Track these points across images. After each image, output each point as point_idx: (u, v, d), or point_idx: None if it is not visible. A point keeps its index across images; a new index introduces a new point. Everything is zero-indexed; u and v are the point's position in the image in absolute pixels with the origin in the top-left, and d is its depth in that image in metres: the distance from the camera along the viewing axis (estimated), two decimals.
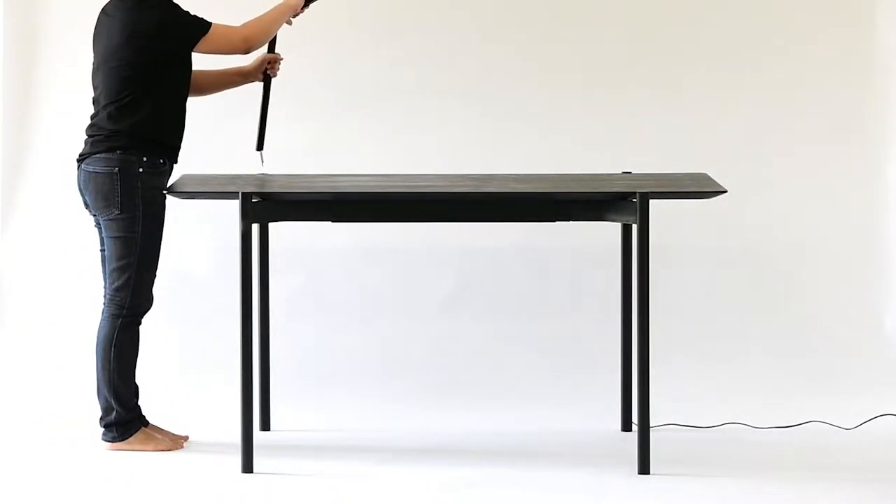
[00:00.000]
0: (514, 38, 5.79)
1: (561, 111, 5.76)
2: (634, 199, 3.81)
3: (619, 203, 3.95)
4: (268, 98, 4.39)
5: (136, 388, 4.20)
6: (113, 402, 4.12)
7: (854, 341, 5.57)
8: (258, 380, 4.43)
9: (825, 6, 5.79)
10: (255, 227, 4.21)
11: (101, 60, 4.13)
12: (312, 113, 5.74)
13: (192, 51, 4.11)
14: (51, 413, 4.79)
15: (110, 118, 4.07)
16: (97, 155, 4.08)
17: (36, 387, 5.23)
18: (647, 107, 5.75)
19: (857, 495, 3.58)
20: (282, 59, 4.42)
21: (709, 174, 3.94)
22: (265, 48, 4.35)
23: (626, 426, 4.50)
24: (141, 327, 4.17)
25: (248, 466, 3.82)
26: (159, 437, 4.18)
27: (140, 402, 4.22)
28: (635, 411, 3.89)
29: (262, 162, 4.31)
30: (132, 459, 4.01)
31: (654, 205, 3.86)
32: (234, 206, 3.85)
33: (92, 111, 4.16)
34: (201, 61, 4.24)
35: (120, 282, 4.09)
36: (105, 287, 4.17)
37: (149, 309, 4.17)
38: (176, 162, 4.19)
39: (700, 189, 3.88)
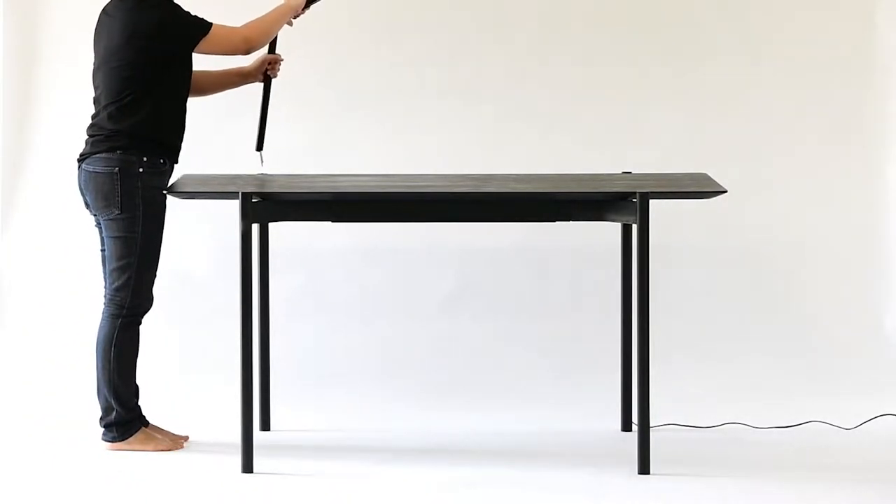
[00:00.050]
0: (514, 38, 5.79)
1: (561, 111, 5.76)
2: (634, 199, 3.81)
3: (619, 203, 3.95)
4: (268, 99, 4.39)
5: (137, 388, 4.20)
6: (113, 402, 4.12)
7: (854, 341, 5.57)
8: (258, 380, 4.43)
9: (825, 6, 5.80)
10: (255, 227, 4.21)
11: (101, 60, 4.13)
12: (312, 113, 5.74)
13: (192, 51, 4.11)
14: (51, 413, 4.79)
15: (111, 118, 4.07)
16: (97, 155, 4.08)
17: (36, 387, 5.23)
18: (647, 107, 5.76)
19: (857, 495, 3.58)
20: (282, 60, 4.42)
21: (709, 174, 3.94)
22: (266, 49, 4.35)
23: (626, 426, 4.50)
24: (141, 327, 4.17)
25: (248, 466, 3.82)
26: (159, 437, 4.18)
27: (140, 402, 4.22)
28: (635, 411, 3.89)
29: (262, 162, 4.31)
30: (132, 459, 4.01)
31: (654, 205, 3.86)
32: (234, 206, 3.85)
33: (92, 111, 4.16)
34: (202, 62, 4.24)
35: (120, 282, 4.09)
36: (105, 287, 4.17)
37: (149, 309, 4.17)
38: (177, 162, 4.19)
39: (700, 189, 3.88)
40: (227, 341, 4.88)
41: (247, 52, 4.18)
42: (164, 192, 4.08)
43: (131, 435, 4.14)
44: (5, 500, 3.54)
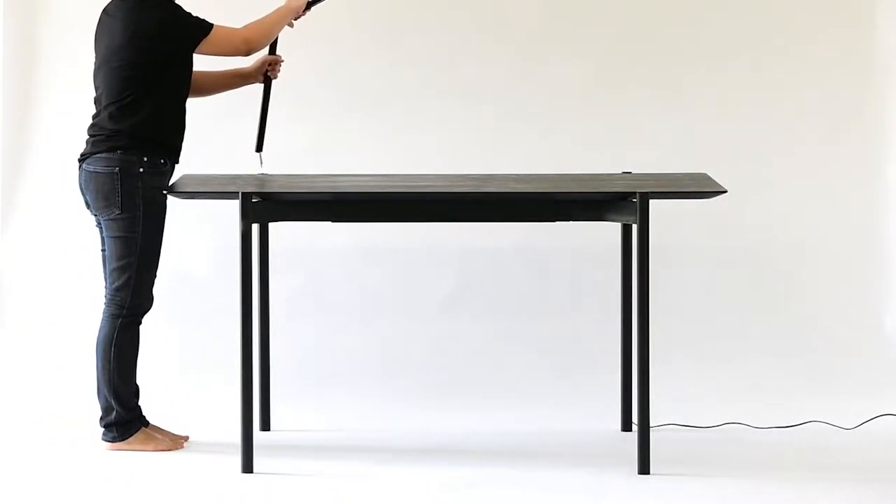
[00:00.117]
0: (514, 38, 5.79)
1: (561, 111, 5.76)
2: (634, 199, 3.81)
3: (619, 203, 3.95)
4: (268, 100, 4.38)
5: (137, 388, 4.20)
6: (113, 402, 4.12)
7: (854, 341, 5.57)
8: (258, 380, 4.43)
9: (825, 6, 5.80)
10: (255, 227, 4.21)
11: (102, 60, 4.13)
12: (313, 113, 5.74)
13: (193, 52, 4.11)
14: (51, 413, 4.79)
15: (111, 118, 4.07)
16: (98, 155, 4.08)
17: (36, 387, 5.23)
18: (647, 107, 5.76)
19: (857, 495, 3.58)
20: (282, 62, 4.42)
21: (709, 174, 3.94)
22: (266, 50, 4.35)
23: (626, 426, 4.50)
24: (141, 327, 4.17)
25: (248, 466, 3.82)
26: (159, 437, 4.18)
27: (140, 402, 4.22)
28: (635, 411, 3.89)
29: (262, 163, 4.31)
30: (132, 459, 4.01)
31: (654, 205, 3.86)
32: (234, 206, 3.85)
33: (93, 111, 4.16)
34: (202, 62, 4.24)
35: (120, 282, 4.09)
36: (105, 287, 4.17)
37: (149, 309, 4.17)
38: (177, 162, 4.19)
39: (700, 189, 3.88)
40: (227, 341, 4.87)
41: (247, 54, 4.18)
42: (165, 192, 4.08)
43: (131, 435, 4.14)
44: (5, 500, 3.54)
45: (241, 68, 4.45)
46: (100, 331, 4.14)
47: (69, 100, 5.59)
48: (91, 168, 4.09)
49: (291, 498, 3.56)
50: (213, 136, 5.49)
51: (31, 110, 5.77)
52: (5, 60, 5.75)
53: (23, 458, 4.08)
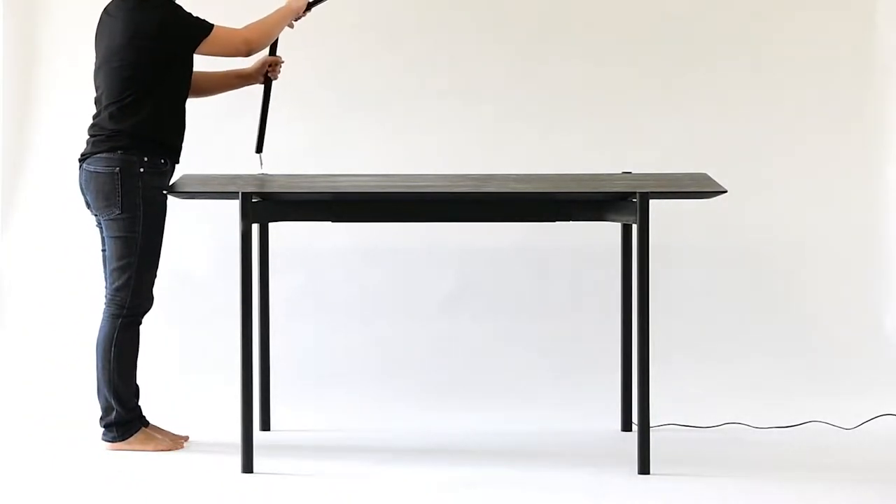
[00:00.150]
0: (514, 38, 5.79)
1: (561, 111, 5.76)
2: (634, 199, 3.81)
3: (619, 203, 3.95)
4: (268, 101, 4.38)
5: (137, 388, 4.20)
6: (113, 402, 4.12)
7: (854, 341, 5.57)
8: (258, 380, 4.43)
9: (825, 6, 5.79)
10: (255, 227, 4.21)
11: (102, 60, 4.13)
12: (313, 114, 5.74)
13: (193, 52, 4.11)
14: (51, 413, 4.79)
15: (112, 118, 4.08)
16: (98, 155, 4.08)
17: (36, 387, 5.23)
18: (647, 107, 5.75)
19: (857, 495, 3.58)
20: (283, 62, 4.42)
21: (709, 174, 3.94)
22: (266, 51, 4.35)
23: (626, 426, 4.50)
24: (141, 327, 4.17)
25: (248, 466, 3.82)
26: (159, 437, 4.19)
27: (140, 402, 4.22)
28: (635, 411, 3.89)
29: (262, 164, 4.31)
30: (132, 459, 4.01)
31: (654, 205, 3.86)
32: (234, 206, 3.85)
33: (93, 111, 4.16)
34: (202, 63, 4.24)
35: (120, 282, 4.10)
36: (106, 287, 4.17)
37: (149, 309, 4.18)
38: (178, 162, 4.19)
39: (700, 189, 3.88)
40: (227, 341, 4.87)
41: (248, 54, 4.18)
42: (165, 192, 4.08)
43: (131, 435, 4.14)
44: (5, 500, 3.54)
45: (241, 69, 4.45)
46: (100, 331, 4.14)
47: (69, 100, 5.59)
48: (91, 168, 4.09)
49: (291, 498, 3.56)
50: (213, 136, 5.49)
51: (31, 110, 5.77)
52: (5, 60, 5.75)
53: (23, 458, 4.08)
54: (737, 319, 5.63)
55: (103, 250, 4.19)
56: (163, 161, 4.11)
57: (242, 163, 4.56)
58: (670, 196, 3.98)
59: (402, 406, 4.99)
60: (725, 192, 3.89)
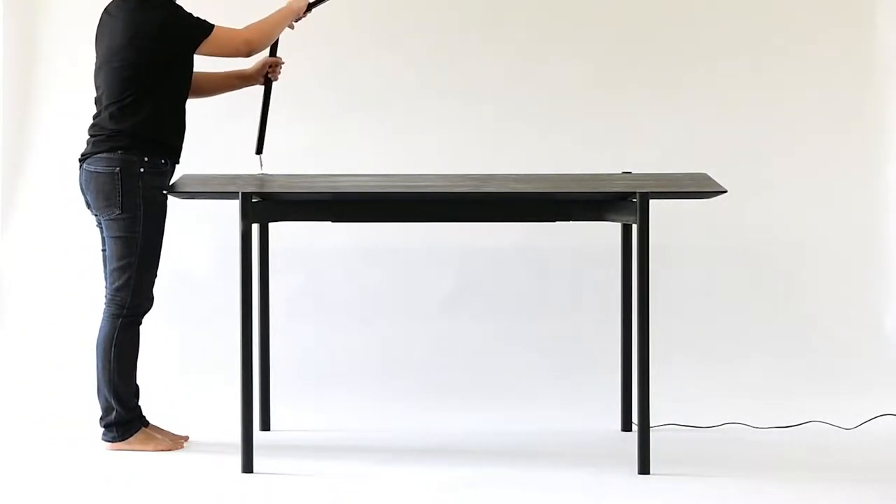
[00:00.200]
0: (514, 38, 5.79)
1: (561, 111, 5.76)
2: (634, 199, 3.81)
3: (619, 203, 3.95)
4: (268, 102, 4.38)
5: (137, 388, 4.20)
6: (113, 402, 4.12)
7: (854, 341, 5.57)
8: (258, 380, 4.43)
9: (825, 6, 5.80)
10: (255, 227, 4.21)
11: (103, 60, 4.13)
12: (313, 114, 5.74)
13: (194, 52, 4.11)
14: (51, 413, 4.79)
15: (112, 118, 4.08)
16: (99, 155, 4.08)
17: (36, 387, 5.23)
18: (647, 107, 5.75)
19: (857, 495, 3.58)
20: (283, 63, 4.42)
21: (709, 174, 3.94)
22: (267, 51, 4.35)
23: (626, 426, 4.50)
24: (141, 327, 4.17)
25: (248, 466, 3.82)
26: (159, 437, 4.19)
27: (140, 402, 4.22)
28: (635, 411, 3.89)
29: (262, 165, 4.31)
30: (132, 459, 4.01)
31: (654, 205, 3.86)
32: (234, 206, 3.85)
33: (94, 111, 4.16)
34: (203, 63, 4.24)
35: (120, 282, 4.10)
36: (106, 287, 4.17)
37: (149, 309, 4.18)
38: (178, 162, 4.19)
39: (700, 189, 3.88)
40: (227, 341, 4.87)
41: (248, 55, 4.18)
42: (165, 192, 4.08)
43: (131, 435, 4.14)
44: (5, 500, 3.54)
45: (241, 70, 4.45)
46: (100, 331, 4.14)
47: (69, 100, 5.60)
48: (92, 168, 4.09)
49: (291, 498, 3.56)
50: (213, 136, 5.49)
51: (31, 110, 5.77)
52: (5, 60, 5.75)
53: (23, 458, 4.08)
54: (737, 319, 5.63)
55: (103, 250, 4.19)
56: (163, 161, 4.11)
57: (242, 163, 4.56)
58: (670, 196, 3.98)
59: (402, 406, 4.99)
60: (725, 192, 3.89)
